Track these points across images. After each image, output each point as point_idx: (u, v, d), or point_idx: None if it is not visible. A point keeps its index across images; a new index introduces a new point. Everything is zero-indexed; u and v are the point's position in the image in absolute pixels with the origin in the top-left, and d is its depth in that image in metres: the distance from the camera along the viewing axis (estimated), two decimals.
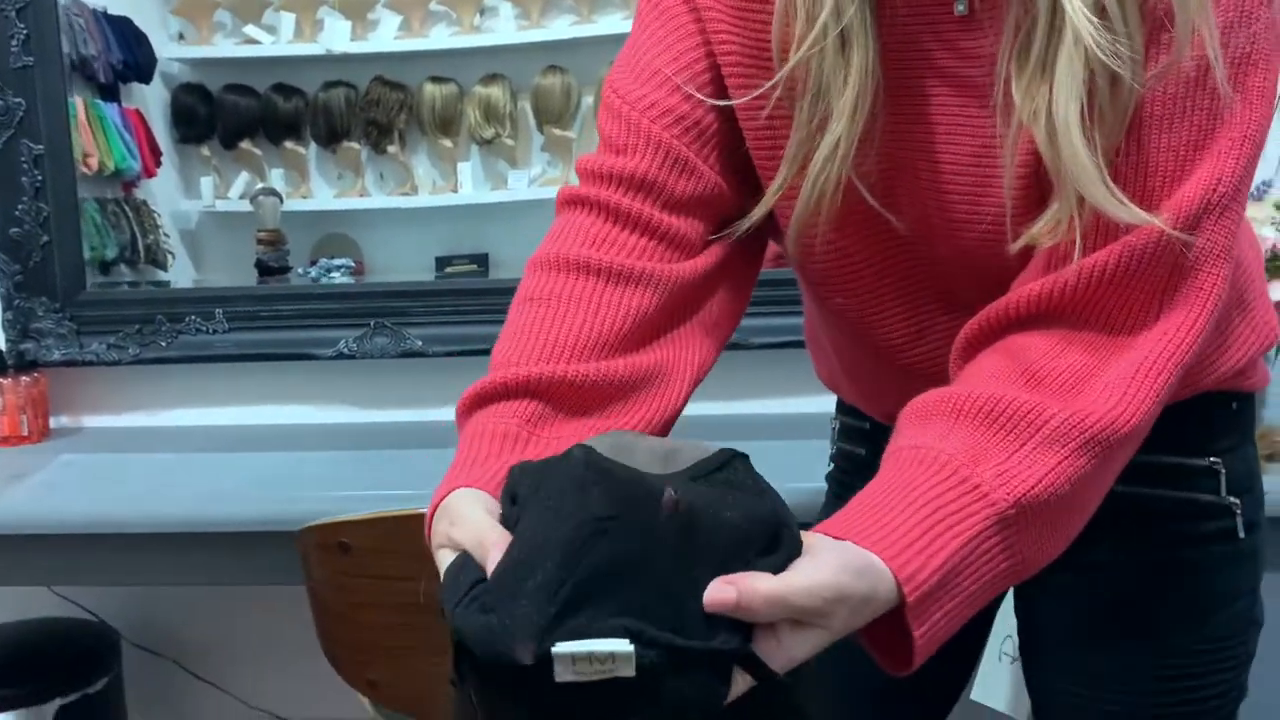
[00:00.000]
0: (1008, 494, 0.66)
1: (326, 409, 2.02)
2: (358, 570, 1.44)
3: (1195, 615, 0.94)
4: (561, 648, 0.51)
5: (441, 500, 0.68)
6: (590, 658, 0.51)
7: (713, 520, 0.56)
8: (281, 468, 1.77)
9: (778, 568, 0.58)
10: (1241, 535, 0.93)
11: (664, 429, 0.80)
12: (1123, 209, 0.70)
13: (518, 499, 0.61)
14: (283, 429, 1.98)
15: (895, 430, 0.74)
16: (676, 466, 0.62)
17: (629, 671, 0.51)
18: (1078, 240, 0.72)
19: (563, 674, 0.51)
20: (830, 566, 0.60)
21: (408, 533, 1.45)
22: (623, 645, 0.51)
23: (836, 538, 0.63)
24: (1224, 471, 0.92)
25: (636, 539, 0.53)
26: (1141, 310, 0.73)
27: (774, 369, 1.80)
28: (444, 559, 0.64)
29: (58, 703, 1.83)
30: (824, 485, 1.18)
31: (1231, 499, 0.92)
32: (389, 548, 1.40)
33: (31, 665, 1.89)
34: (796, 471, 1.38)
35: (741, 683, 0.55)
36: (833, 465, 1.17)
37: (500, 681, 0.54)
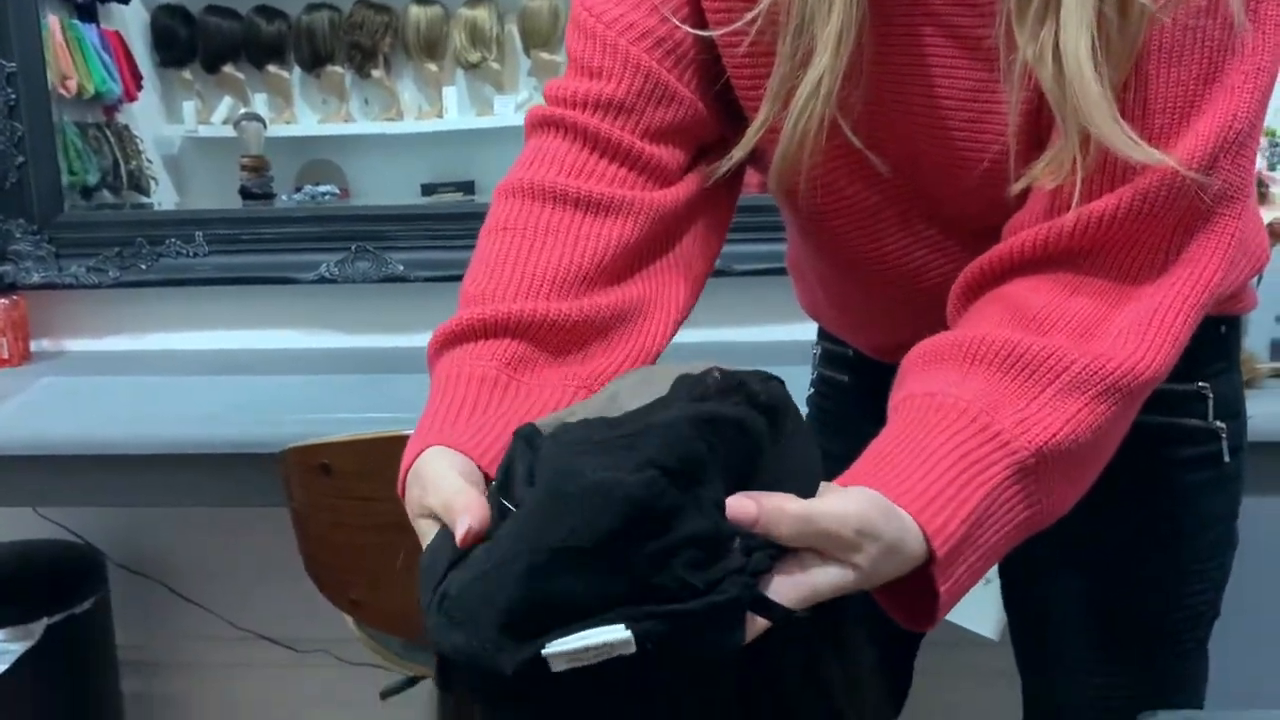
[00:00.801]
0: (1029, 442, 0.63)
1: (309, 333, 2.01)
2: (339, 492, 1.44)
3: (1177, 539, 0.94)
4: (553, 648, 0.48)
5: (414, 459, 0.64)
6: (586, 651, 0.48)
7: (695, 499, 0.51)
8: (264, 391, 1.77)
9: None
10: (1226, 459, 0.93)
11: (649, 361, 0.77)
12: (1135, 148, 0.67)
13: (512, 477, 0.56)
14: (265, 353, 1.97)
15: (901, 375, 0.71)
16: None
17: (628, 649, 0.48)
18: (1078, 183, 0.69)
19: (559, 665, 0.48)
20: (858, 500, 0.57)
21: (388, 455, 1.44)
22: (617, 632, 0.47)
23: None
24: (1211, 396, 0.91)
25: (604, 561, 0.49)
26: (1152, 254, 0.70)
27: (757, 296, 1.79)
28: (424, 531, 0.60)
29: (45, 622, 1.84)
30: (805, 408, 1.18)
31: (1218, 423, 0.92)
32: (370, 469, 1.40)
33: (17, 586, 1.89)
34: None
35: (758, 625, 0.52)
36: (813, 390, 1.17)
37: (492, 688, 0.50)
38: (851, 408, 1.11)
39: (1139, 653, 0.98)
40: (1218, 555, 0.97)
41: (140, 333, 2.03)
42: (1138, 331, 0.68)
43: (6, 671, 1.81)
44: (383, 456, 1.42)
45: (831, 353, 1.12)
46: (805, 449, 0.58)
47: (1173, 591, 0.96)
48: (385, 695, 1.67)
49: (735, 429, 0.52)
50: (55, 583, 1.91)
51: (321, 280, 1.94)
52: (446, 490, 0.58)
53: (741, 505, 0.52)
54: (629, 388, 0.59)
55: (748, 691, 0.54)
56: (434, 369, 0.73)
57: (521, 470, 0.56)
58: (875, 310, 0.97)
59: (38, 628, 1.83)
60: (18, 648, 1.82)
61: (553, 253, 0.74)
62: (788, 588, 0.54)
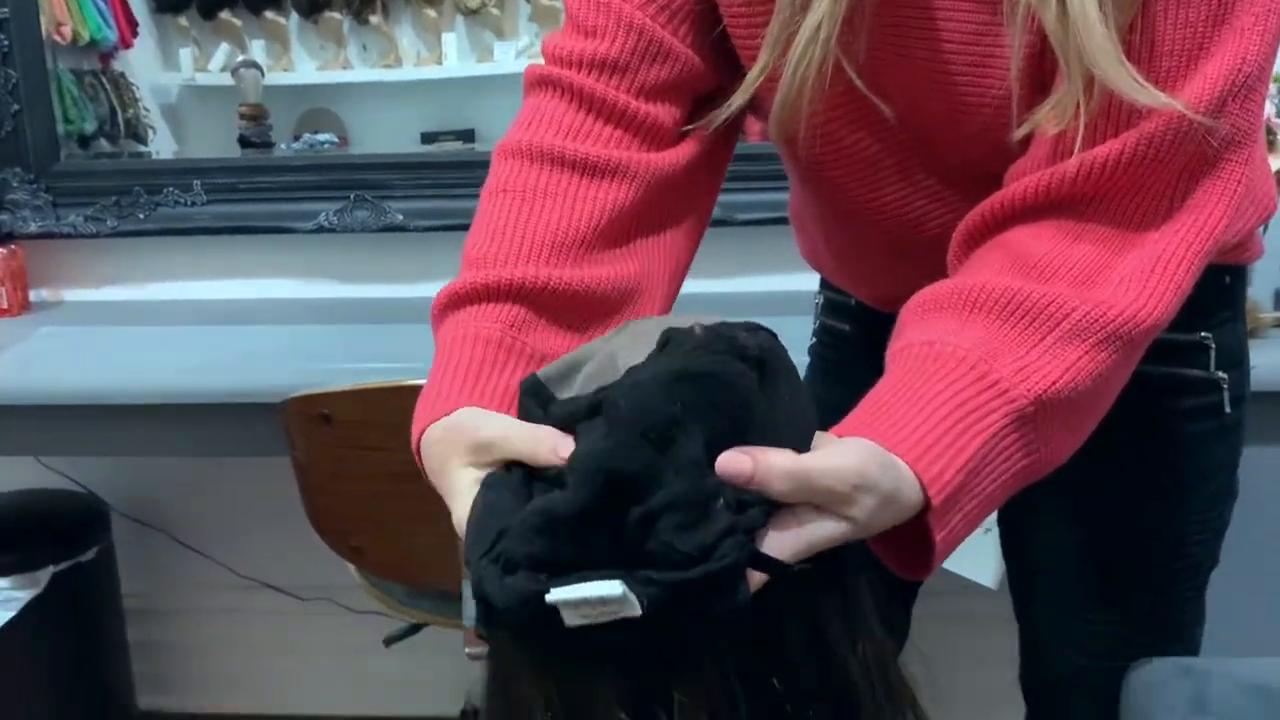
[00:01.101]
0: (1028, 390, 0.63)
1: (308, 283, 2.00)
2: (340, 441, 1.45)
3: (1178, 490, 0.94)
4: (555, 594, 0.49)
5: (435, 419, 0.64)
6: (586, 602, 0.49)
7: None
8: (264, 341, 1.77)
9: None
10: (1228, 410, 0.92)
11: None
12: (1140, 91, 0.66)
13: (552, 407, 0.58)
14: (264, 303, 1.97)
15: (900, 325, 0.71)
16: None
17: (633, 611, 0.49)
18: (1081, 128, 0.68)
19: (572, 619, 0.50)
20: (854, 453, 0.57)
21: (389, 404, 1.46)
22: (612, 587, 0.49)
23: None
24: (1214, 347, 0.91)
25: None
26: (1156, 200, 0.69)
27: (758, 246, 1.78)
28: (463, 480, 0.60)
29: (50, 570, 1.86)
30: (807, 358, 1.17)
31: (1220, 374, 0.91)
32: (370, 419, 1.40)
33: (22, 534, 1.91)
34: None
35: (756, 579, 0.53)
36: (815, 340, 1.16)
37: (534, 635, 0.53)
38: (853, 357, 1.10)
39: (1136, 602, 0.99)
40: (1218, 505, 0.97)
41: (139, 282, 2.02)
42: (1140, 279, 0.67)
43: (13, 619, 1.83)
44: (383, 406, 1.43)
45: (833, 302, 1.11)
46: (799, 399, 0.58)
47: (1172, 541, 0.96)
48: (389, 642, 1.69)
49: (714, 382, 0.53)
50: (59, 532, 1.92)
51: (320, 230, 1.93)
52: (517, 433, 0.58)
53: (736, 461, 0.52)
54: (624, 347, 0.59)
55: (748, 644, 0.54)
56: (438, 329, 0.73)
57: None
58: (875, 261, 0.96)
59: (43, 576, 1.85)
60: (23, 595, 1.83)
61: (550, 215, 0.75)
62: (784, 542, 0.54)
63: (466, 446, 0.60)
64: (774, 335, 0.58)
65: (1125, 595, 0.99)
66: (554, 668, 0.54)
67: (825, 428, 1.15)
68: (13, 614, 1.82)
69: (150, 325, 1.86)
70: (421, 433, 0.65)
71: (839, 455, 0.56)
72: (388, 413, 1.40)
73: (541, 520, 0.51)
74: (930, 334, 0.66)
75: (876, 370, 1.09)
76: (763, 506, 0.53)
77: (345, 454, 1.44)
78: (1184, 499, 0.95)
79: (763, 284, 1.89)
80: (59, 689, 1.93)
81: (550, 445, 0.55)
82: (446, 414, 0.64)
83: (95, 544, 1.93)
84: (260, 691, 2.16)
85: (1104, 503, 0.95)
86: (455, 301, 0.72)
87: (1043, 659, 1.05)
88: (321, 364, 1.64)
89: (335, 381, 1.45)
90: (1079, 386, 0.65)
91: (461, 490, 0.60)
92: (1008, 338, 0.65)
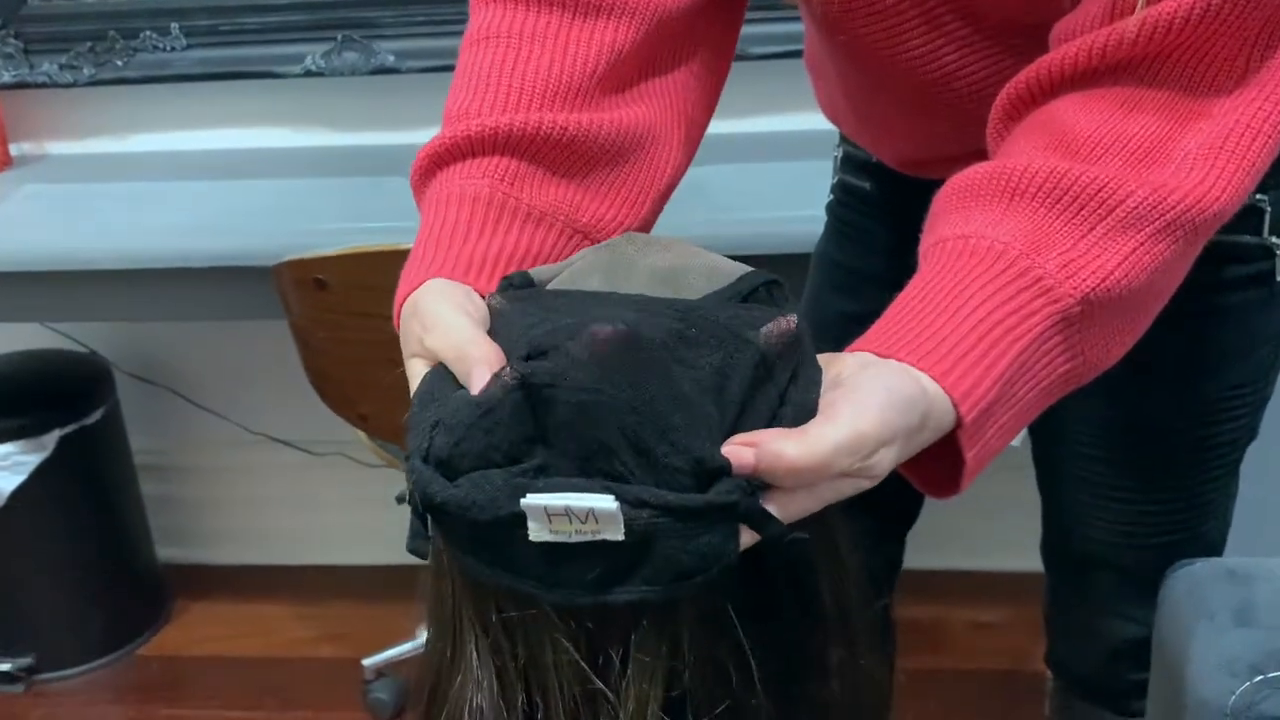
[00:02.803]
0: (1075, 288, 0.56)
1: (297, 131, 1.90)
2: (337, 307, 1.39)
3: (1221, 363, 0.88)
4: (533, 499, 0.43)
5: (412, 290, 0.58)
6: (568, 514, 0.43)
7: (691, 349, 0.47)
8: (254, 197, 1.70)
9: (799, 407, 0.49)
10: (1279, 279, 0.85)
11: (660, 200, 0.70)
12: None
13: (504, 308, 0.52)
14: (253, 154, 1.88)
15: (932, 216, 0.63)
16: (682, 295, 0.53)
17: (616, 534, 0.44)
18: None
19: (539, 532, 0.44)
20: (873, 409, 0.49)
21: (384, 269, 1.38)
22: (605, 501, 0.43)
23: (879, 354, 0.54)
24: (1269, 210, 0.83)
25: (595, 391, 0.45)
26: (1228, 65, 0.60)
27: (775, 82, 1.65)
28: (415, 373, 0.55)
29: (57, 434, 1.84)
30: (825, 216, 1.10)
31: (1274, 239, 0.84)
32: (366, 283, 1.34)
33: (26, 398, 1.88)
34: (797, 196, 1.29)
35: (747, 536, 0.47)
36: (832, 197, 1.08)
37: (471, 542, 0.47)
38: (872, 218, 1.03)
39: (1167, 478, 0.94)
40: (1261, 378, 0.91)
41: (122, 134, 1.93)
42: (1206, 157, 0.59)
43: (24, 483, 1.82)
44: (378, 270, 1.37)
45: (853, 157, 1.03)
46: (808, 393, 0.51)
47: (1210, 415, 0.91)
48: (401, 500, 1.67)
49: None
50: (65, 394, 1.90)
51: (308, 74, 1.82)
52: (457, 336, 0.52)
53: (737, 456, 0.46)
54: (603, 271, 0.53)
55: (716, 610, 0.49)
56: (421, 197, 0.66)
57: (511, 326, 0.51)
58: (900, 121, 0.88)
59: (50, 439, 1.83)
60: (32, 459, 1.82)
61: (540, 62, 0.66)
62: (791, 503, 0.48)
63: (420, 343, 0.55)
64: (780, 285, 0.53)
65: (1156, 470, 0.94)
66: (503, 592, 0.48)
67: (838, 291, 1.09)
68: (23, 478, 1.81)
69: (136, 181, 1.79)
70: (400, 303, 0.59)
71: (856, 418, 0.49)
72: (384, 276, 1.32)
73: (472, 412, 0.46)
74: (967, 227, 0.59)
75: (896, 232, 1.02)
76: None
77: (343, 320, 1.39)
78: (1226, 372, 0.90)
79: (780, 124, 1.76)
80: (77, 546, 1.95)
81: (479, 368, 0.48)
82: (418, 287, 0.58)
83: (101, 405, 1.91)
84: (277, 544, 2.17)
85: (1137, 374, 0.89)
86: (436, 161, 0.65)
87: (1067, 534, 1.02)
88: (314, 223, 1.58)
89: (329, 243, 1.39)
90: (1132, 283, 0.58)
91: (416, 379, 0.54)
92: (1053, 227, 0.58)
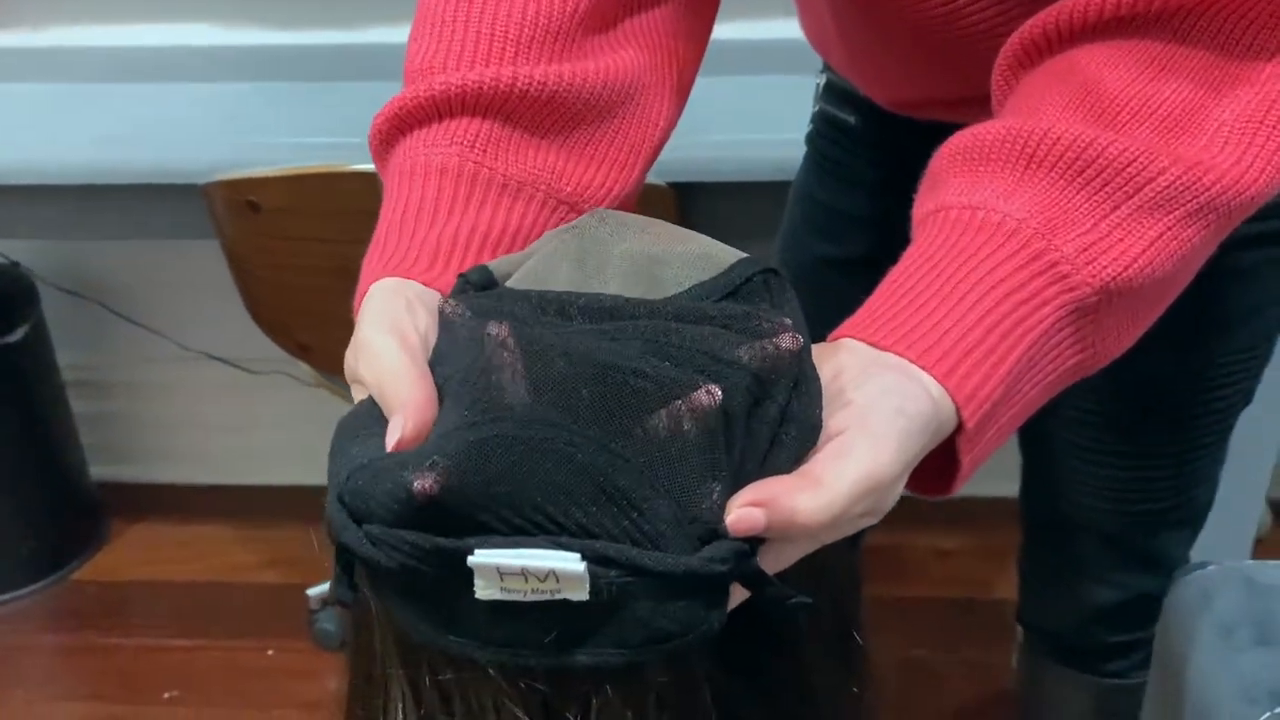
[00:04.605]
0: (1093, 275, 0.50)
1: (234, 29, 1.75)
2: (272, 231, 1.30)
3: (1226, 326, 0.83)
4: (483, 556, 0.36)
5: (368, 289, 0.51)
6: (524, 573, 0.36)
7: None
8: (184, 103, 1.58)
9: (804, 425, 0.42)
10: None
11: (650, 160, 0.62)
12: None
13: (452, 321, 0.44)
14: (184, 53, 1.73)
15: (933, 176, 0.56)
16: (663, 289, 0.45)
17: (580, 595, 0.37)
18: None
19: (487, 589, 0.37)
20: (890, 445, 0.44)
21: (322, 192, 1.29)
22: (569, 561, 0.36)
23: (877, 346, 0.48)
24: None
25: (554, 438, 0.37)
26: (1273, 20, 0.52)
27: None
28: (356, 394, 0.47)
29: None
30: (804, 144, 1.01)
31: None
32: (303, 208, 1.24)
33: None
34: (776, 118, 1.17)
35: (738, 593, 0.41)
36: (812, 127, 1.00)
37: (404, 593, 0.40)
38: (857, 154, 0.95)
39: (1163, 442, 0.90)
40: (1263, 342, 0.87)
41: (34, 25, 1.77)
42: (1245, 131, 0.52)
43: None
44: (316, 193, 1.27)
45: (837, 87, 0.95)
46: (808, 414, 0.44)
47: (1212, 380, 0.87)
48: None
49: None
50: None
51: None
52: (380, 368, 0.44)
53: (747, 518, 0.39)
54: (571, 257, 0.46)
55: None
56: (384, 167, 0.58)
57: (463, 334, 0.43)
58: (896, 61, 0.80)
59: None
60: None
61: (514, 3, 0.57)
62: (789, 551, 0.42)
63: (351, 364, 0.47)
64: (779, 277, 0.45)
65: (1149, 435, 0.89)
66: (440, 649, 0.41)
67: (817, 232, 1.02)
68: None
69: (54, 83, 1.65)
70: (359, 299, 0.51)
71: (872, 454, 0.43)
72: (324, 200, 1.24)
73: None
74: (973, 194, 0.52)
75: (882, 168, 0.94)
76: None
77: (278, 245, 1.30)
78: (1232, 334, 0.84)
79: (762, 31, 1.55)
80: (3, 466, 1.85)
81: (395, 417, 0.41)
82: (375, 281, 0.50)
83: (24, 322, 1.80)
84: (217, 463, 2.09)
85: (1148, 342, 0.84)
86: (397, 126, 0.56)
87: (1050, 497, 0.97)
88: (249, 135, 1.47)
89: (265, 159, 1.28)
90: (1156, 271, 0.51)
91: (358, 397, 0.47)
92: (1072, 204, 0.51)
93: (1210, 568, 0.68)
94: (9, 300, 1.80)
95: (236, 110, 1.55)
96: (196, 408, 2.06)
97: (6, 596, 1.89)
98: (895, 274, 0.52)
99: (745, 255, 0.47)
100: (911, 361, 0.47)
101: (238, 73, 1.65)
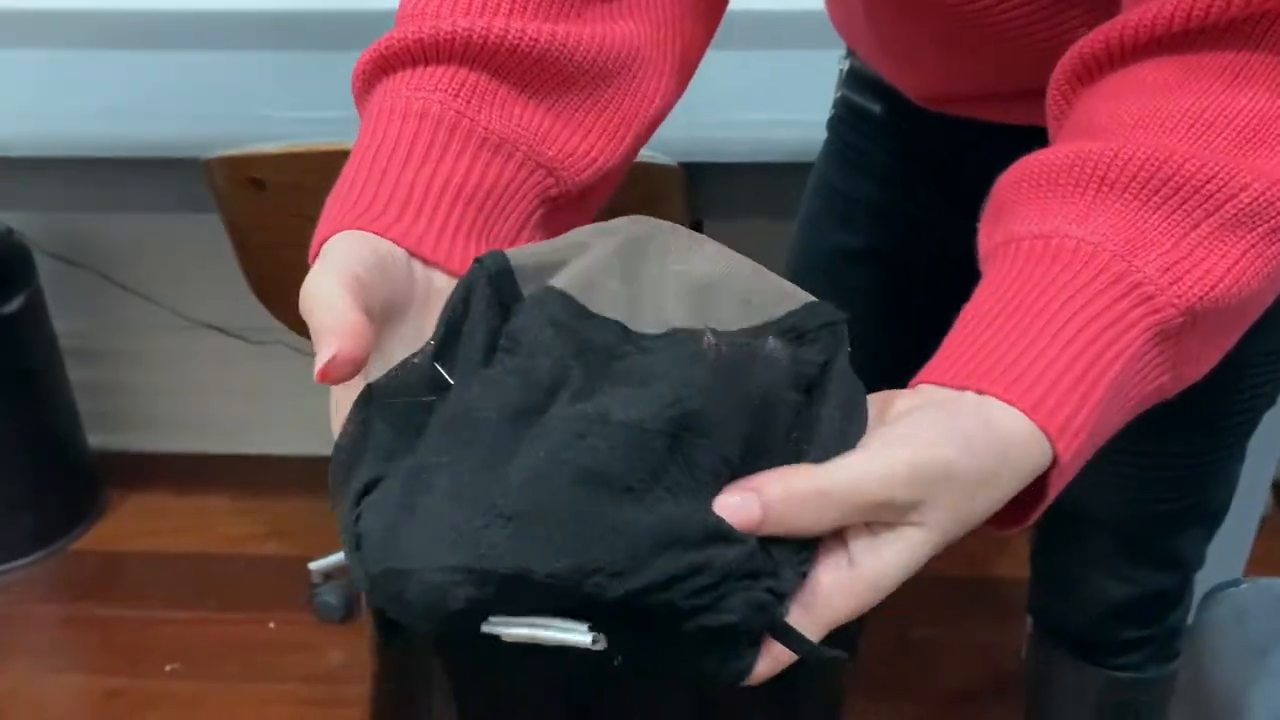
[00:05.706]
0: (1179, 296, 0.47)
1: None
2: (276, 207, 1.27)
3: (1264, 322, 0.81)
4: (495, 627, 0.36)
5: (331, 234, 0.49)
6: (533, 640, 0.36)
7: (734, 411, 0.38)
8: (184, 72, 1.53)
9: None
10: None
11: (642, 136, 0.60)
12: None
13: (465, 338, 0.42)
14: (183, 18, 1.69)
15: (996, 206, 0.53)
16: (718, 320, 0.43)
17: (597, 645, 0.37)
18: None
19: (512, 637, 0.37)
20: (925, 435, 0.42)
21: (328, 169, 1.27)
22: (577, 632, 0.36)
23: (953, 387, 0.45)
24: None
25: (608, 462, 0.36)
26: None
27: None
28: (339, 398, 0.46)
29: None
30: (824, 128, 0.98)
31: None
32: (307, 184, 1.21)
33: None
34: (798, 97, 1.13)
35: (778, 656, 0.39)
36: (834, 113, 0.98)
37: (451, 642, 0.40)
38: (878, 143, 0.93)
39: (1185, 441, 0.88)
40: None
41: None
42: None
43: None
44: (321, 171, 1.22)
45: (862, 74, 0.92)
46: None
47: (1242, 381, 0.85)
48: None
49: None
50: None
51: None
52: (318, 301, 0.44)
53: (740, 508, 0.38)
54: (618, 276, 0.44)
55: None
56: (363, 108, 0.56)
57: (483, 336, 0.42)
58: (929, 55, 0.77)
59: None
60: None
61: None
62: (832, 608, 0.40)
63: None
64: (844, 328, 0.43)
65: (1172, 434, 0.88)
66: (477, 682, 0.42)
67: (835, 221, 1.00)
68: None
69: (41, 48, 1.60)
70: (314, 254, 0.49)
71: (897, 444, 0.41)
72: (330, 178, 1.22)
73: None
74: (1044, 223, 0.50)
75: (906, 159, 0.92)
76: (800, 557, 0.39)
77: (283, 223, 1.27)
78: (1267, 332, 0.82)
79: (784, 2, 1.48)
80: (2, 437, 1.84)
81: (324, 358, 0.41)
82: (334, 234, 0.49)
83: (21, 290, 1.77)
84: (216, 432, 2.08)
85: None
86: (381, 66, 0.54)
87: (1066, 489, 0.95)
88: (253, 108, 1.43)
89: (269, 134, 1.26)
90: (1241, 291, 0.48)
91: (337, 408, 0.46)
92: (1150, 223, 0.48)
93: (1243, 586, 0.67)
94: (4, 269, 1.78)
95: (241, 80, 1.51)
96: (195, 377, 2.04)
97: (5, 566, 1.88)
98: (967, 313, 0.49)
99: (808, 299, 0.44)
100: (996, 397, 0.44)
101: (242, 40, 1.61)
